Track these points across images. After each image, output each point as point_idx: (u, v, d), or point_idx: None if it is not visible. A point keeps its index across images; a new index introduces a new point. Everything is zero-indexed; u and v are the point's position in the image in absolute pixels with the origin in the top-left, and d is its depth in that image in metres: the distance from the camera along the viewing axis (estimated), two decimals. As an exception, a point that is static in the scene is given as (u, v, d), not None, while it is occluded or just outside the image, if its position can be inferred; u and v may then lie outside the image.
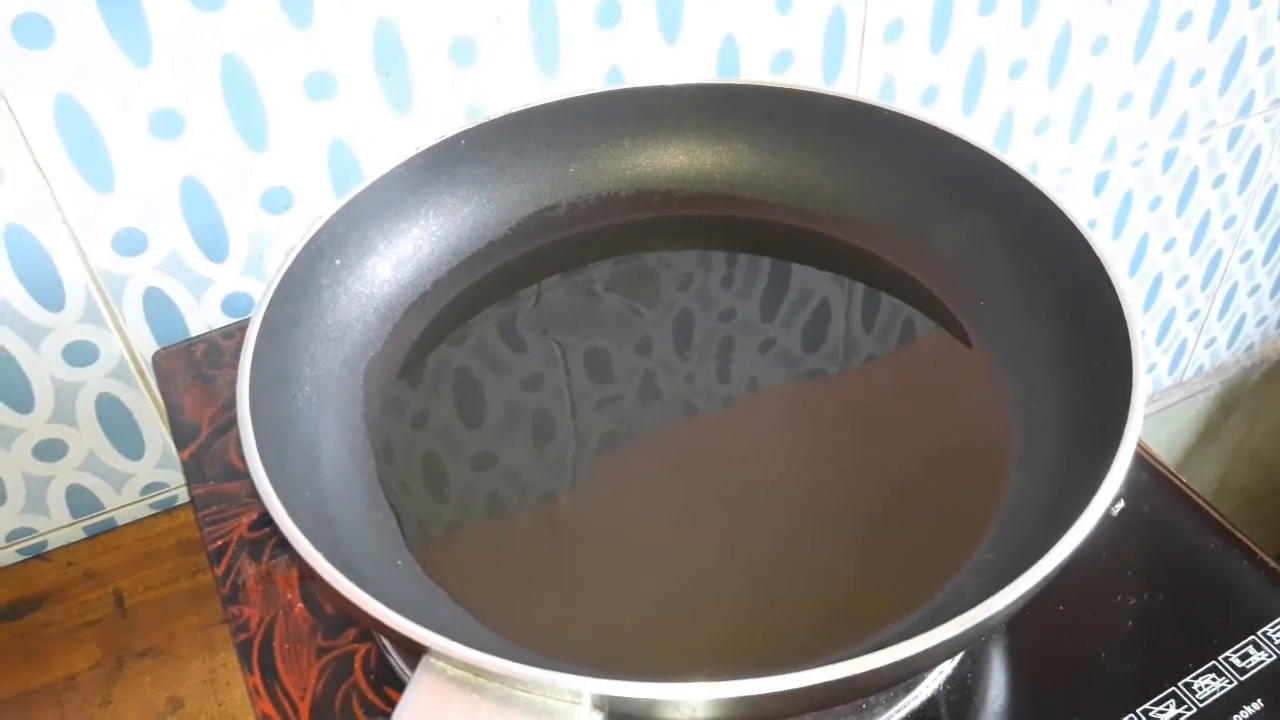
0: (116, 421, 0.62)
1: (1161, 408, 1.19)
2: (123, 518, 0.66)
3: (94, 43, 0.49)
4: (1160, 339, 1.12)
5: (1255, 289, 1.15)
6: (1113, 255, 0.95)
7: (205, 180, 0.56)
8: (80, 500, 0.64)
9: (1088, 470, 0.34)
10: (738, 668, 0.29)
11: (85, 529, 0.65)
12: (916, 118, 0.50)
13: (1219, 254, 1.07)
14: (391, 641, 0.39)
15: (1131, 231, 0.98)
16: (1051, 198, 0.44)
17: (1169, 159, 0.93)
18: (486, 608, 0.37)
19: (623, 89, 0.52)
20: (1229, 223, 1.04)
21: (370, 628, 0.31)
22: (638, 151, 0.54)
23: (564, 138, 0.52)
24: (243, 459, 0.35)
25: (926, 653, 0.29)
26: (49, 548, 0.64)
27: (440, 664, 0.30)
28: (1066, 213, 0.43)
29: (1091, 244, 0.42)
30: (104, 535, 0.65)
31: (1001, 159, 0.47)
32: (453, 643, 0.29)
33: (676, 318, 0.50)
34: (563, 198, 0.53)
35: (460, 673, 0.30)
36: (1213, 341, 1.18)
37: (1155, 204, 0.97)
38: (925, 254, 0.50)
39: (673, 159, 0.54)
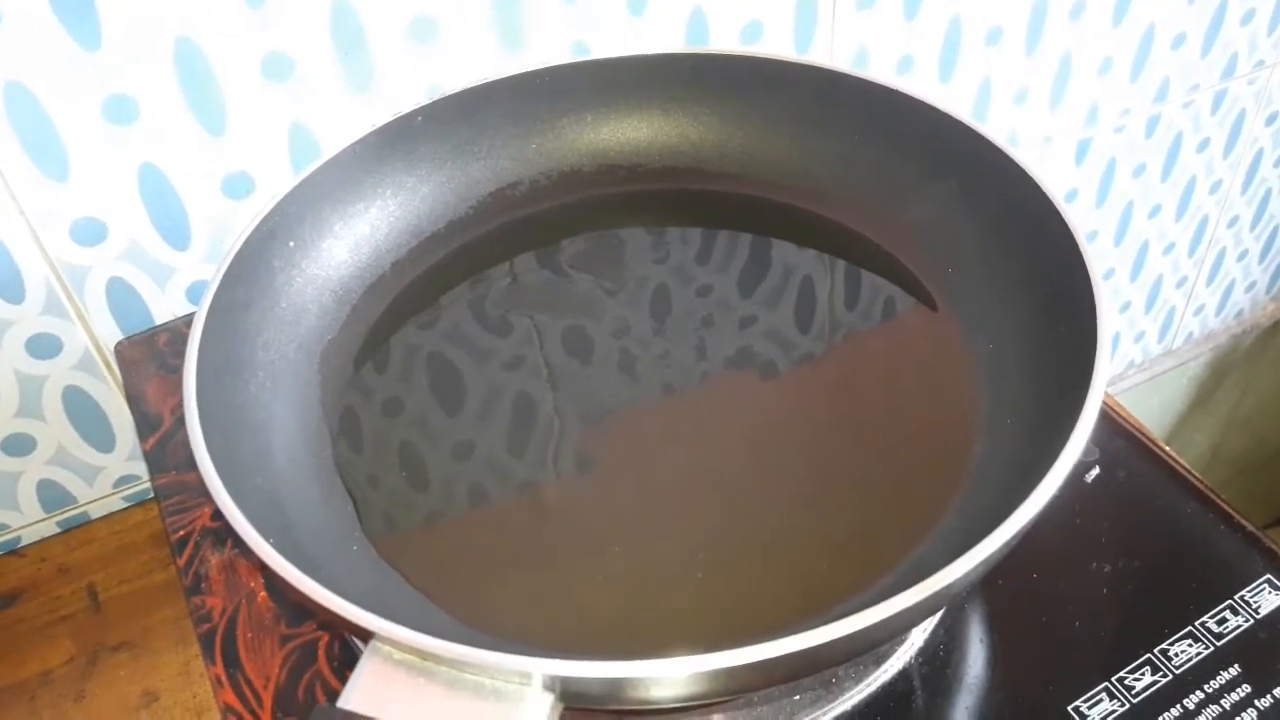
0: (85, 414, 0.61)
1: (1151, 376, 1.18)
2: (96, 511, 0.65)
3: (41, 27, 0.48)
4: (1148, 307, 1.11)
5: (1243, 254, 1.14)
6: (1079, 219, 0.95)
7: (163, 166, 0.55)
8: (52, 495, 0.63)
9: (1051, 438, 0.33)
10: (699, 645, 0.28)
11: (58, 523, 0.65)
12: (884, 84, 0.49)
13: (1205, 219, 1.06)
14: (339, 628, 0.39)
15: (1116, 199, 0.97)
16: (1020, 162, 0.43)
17: (1152, 125, 0.92)
18: (443, 591, 0.37)
19: (583, 61, 0.51)
20: (1214, 187, 1.03)
21: (316, 613, 0.30)
22: (601, 125, 0.53)
23: (524, 113, 0.51)
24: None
25: (884, 623, 0.29)
26: (22, 544, 0.64)
27: (387, 648, 0.30)
28: (1034, 177, 0.42)
29: (1058, 207, 0.41)
30: (77, 529, 0.64)
31: (970, 124, 0.46)
32: (396, 626, 0.29)
33: (639, 296, 0.49)
34: (525, 174, 0.52)
35: (407, 657, 0.29)
36: (1201, 308, 1.17)
37: (1139, 171, 0.95)
38: (895, 223, 0.49)
39: (637, 132, 0.53)
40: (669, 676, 0.28)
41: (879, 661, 0.39)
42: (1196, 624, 0.40)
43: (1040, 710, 0.39)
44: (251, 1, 0.52)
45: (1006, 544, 0.30)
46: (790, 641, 0.27)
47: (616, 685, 0.29)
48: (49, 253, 0.55)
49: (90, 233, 0.55)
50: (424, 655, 0.29)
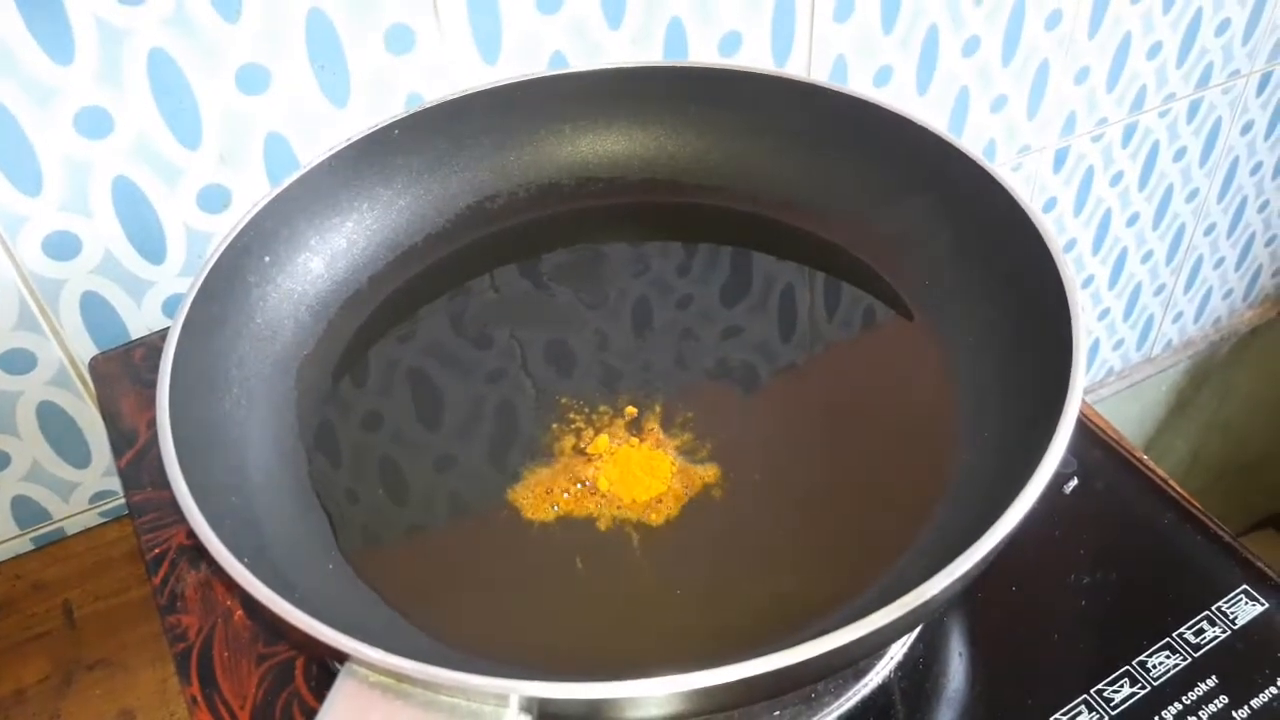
0: (60, 430, 0.61)
1: (1131, 384, 1.18)
2: (72, 527, 0.64)
3: (14, 41, 0.48)
4: (1127, 315, 1.12)
5: (1220, 262, 1.15)
6: (1056, 229, 0.95)
7: (138, 180, 0.54)
8: (27, 511, 0.63)
9: (1028, 451, 0.33)
10: (677, 664, 0.28)
11: (33, 540, 0.64)
12: (860, 97, 0.49)
13: (1183, 228, 1.07)
14: (314, 650, 0.38)
15: (1094, 207, 0.97)
16: (994, 174, 0.43)
17: (1129, 133, 0.93)
18: (421, 610, 0.36)
19: (560, 73, 0.51)
20: (1191, 196, 1.04)
21: (290, 635, 0.30)
22: (579, 138, 0.53)
23: (501, 125, 0.51)
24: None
25: (862, 640, 0.28)
26: (-4, 560, 0.63)
27: (362, 670, 0.29)
28: (1008, 188, 0.43)
29: (1032, 219, 0.41)
30: (52, 546, 0.63)
31: (945, 137, 0.46)
32: (371, 648, 0.28)
33: (619, 308, 0.49)
34: (502, 187, 0.52)
35: (382, 679, 0.29)
36: (1180, 316, 1.18)
37: (1116, 179, 0.96)
38: (872, 235, 0.49)
39: (616, 145, 0.53)
40: (647, 697, 0.28)
41: (858, 675, 0.39)
42: (1174, 635, 0.40)
43: (1020, 723, 0.39)
44: (226, 14, 0.52)
45: (983, 560, 0.30)
46: (768, 660, 0.27)
47: (594, 706, 0.28)
48: (22, 266, 0.54)
49: (64, 247, 0.55)
50: (400, 677, 0.29)
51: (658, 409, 0.44)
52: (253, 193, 0.57)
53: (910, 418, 0.43)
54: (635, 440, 0.43)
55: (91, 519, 0.65)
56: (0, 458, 0.60)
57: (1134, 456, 0.47)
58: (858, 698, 0.39)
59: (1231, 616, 0.41)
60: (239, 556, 0.32)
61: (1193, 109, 0.95)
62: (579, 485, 0.41)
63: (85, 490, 0.64)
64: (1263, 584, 0.42)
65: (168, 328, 0.57)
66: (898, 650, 0.40)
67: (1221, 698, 0.39)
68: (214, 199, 0.57)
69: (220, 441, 0.39)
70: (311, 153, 0.57)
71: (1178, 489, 0.46)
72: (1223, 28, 0.89)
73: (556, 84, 0.51)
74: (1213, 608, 0.41)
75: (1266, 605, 0.41)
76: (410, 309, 0.48)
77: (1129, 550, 0.44)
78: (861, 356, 0.46)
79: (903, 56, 0.74)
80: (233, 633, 0.43)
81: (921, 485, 0.39)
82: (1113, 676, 0.39)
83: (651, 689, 0.28)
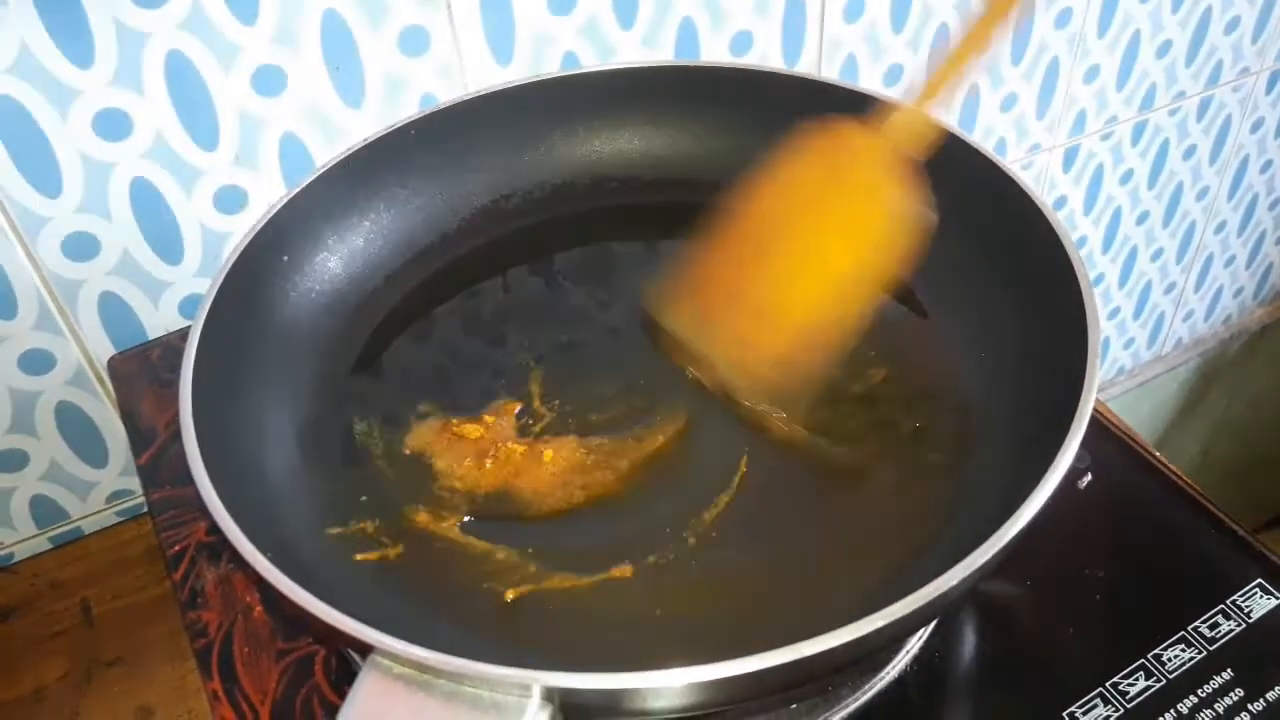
0: (78, 429, 0.61)
1: (1141, 382, 1.18)
2: (89, 526, 0.65)
3: (33, 44, 0.49)
4: (1137, 313, 1.12)
5: (1231, 260, 1.15)
6: (1067, 227, 0.95)
7: (156, 181, 0.55)
8: (45, 511, 0.63)
9: (1042, 448, 0.34)
10: (696, 656, 0.28)
11: (51, 539, 0.64)
12: (872, 94, 0.49)
13: (1193, 226, 1.07)
14: (337, 642, 0.39)
15: (1104, 206, 0.97)
16: (1008, 171, 0.44)
17: (1138, 132, 0.93)
18: (441, 604, 0.37)
19: (573, 73, 0.52)
20: (1202, 194, 1.04)
21: (314, 627, 0.30)
22: (592, 138, 0.53)
23: (516, 125, 0.51)
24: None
25: (875, 633, 0.29)
26: (15, 560, 0.63)
27: (386, 662, 0.30)
28: (1022, 185, 0.43)
29: (1046, 215, 0.41)
30: (70, 545, 0.64)
31: (959, 134, 0.46)
32: (395, 640, 0.29)
33: (632, 308, 0.49)
34: (517, 187, 0.52)
35: (406, 670, 0.29)
36: (1190, 314, 1.18)
37: (1127, 178, 0.96)
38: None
39: (629, 144, 0.53)
40: (667, 687, 0.28)
41: (875, 669, 0.39)
42: (1189, 629, 0.41)
43: (1035, 716, 0.39)
44: (243, 16, 0.52)
45: (998, 554, 0.30)
46: (785, 652, 0.27)
47: (615, 696, 0.29)
48: (42, 267, 0.55)
49: (82, 248, 0.55)
50: (423, 668, 0.29)
51: (673, 407, 0.44)
52: (268, 193, 0.58)
53: (925, 414, 0.43)
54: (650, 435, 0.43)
55: (109, 518, 0.65)
56: (19, 457, 0.61)
57: (1147, 452, 0.47)
58: (874, 690, 0.39)
59: (1246, 610, 0.41)
60: (262, 550, 0.32)
61: (1202, 107, 0.95)
62: (597, 481, 0.42)
63: (103, 490, 0.64)
64: (1277, 578, 0.42)
65: (185, 327, 0.58)
66: (914, 644, 0.40)
67: (1236, 690, 0.39)
68: (230, 200, 0.57)
69: (241, 438, 0.39)
70: (326, 153, 0.58)
71: (1191, 484, 0.46)
72: (1232, 25, 0.89)
73: (569, 84, 0.52)
74: (1227, 601, 0.41)
75: (1281, 599, 0.41)
76: (426, 307, 0.49)
77: (1143, 545, 0.44)
78: (876, 353, 0.46)
79: (912, 55, 0.74)
80: (252, 628, 0.43)
81: (937, 482, 0.40)
82: (1128, 670, 0.40)
83: (671, 679, 0.28)
